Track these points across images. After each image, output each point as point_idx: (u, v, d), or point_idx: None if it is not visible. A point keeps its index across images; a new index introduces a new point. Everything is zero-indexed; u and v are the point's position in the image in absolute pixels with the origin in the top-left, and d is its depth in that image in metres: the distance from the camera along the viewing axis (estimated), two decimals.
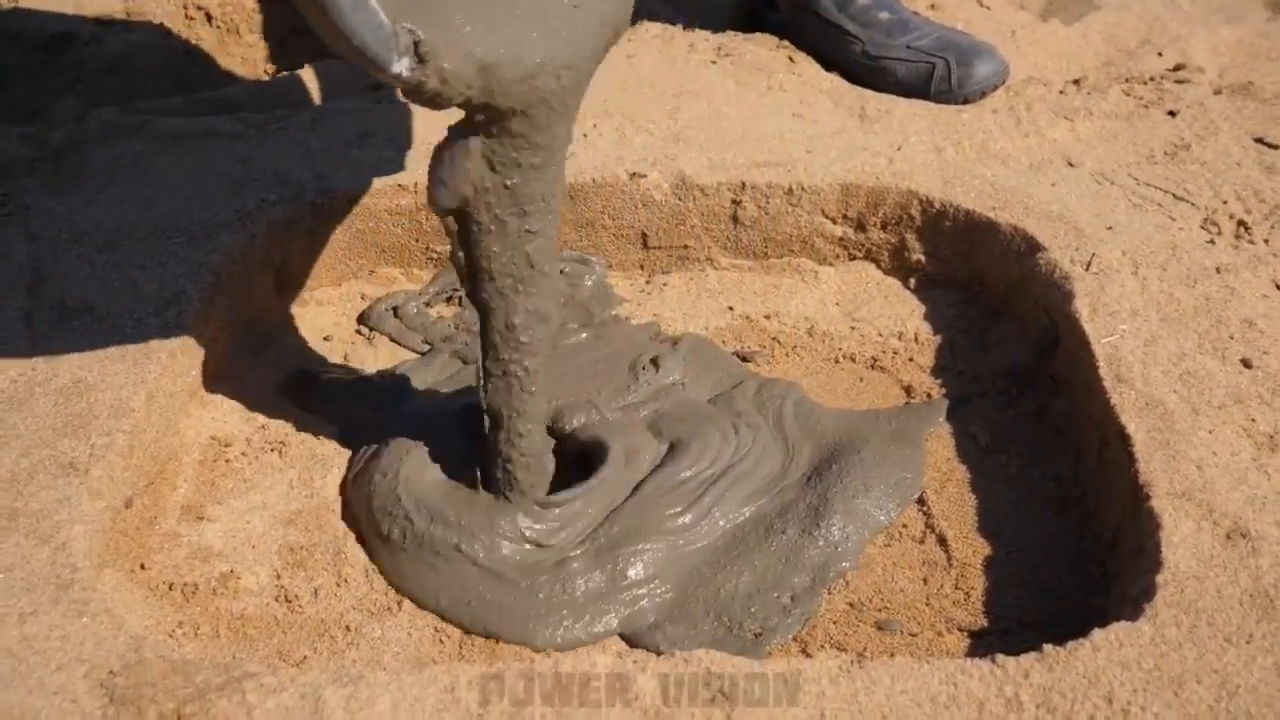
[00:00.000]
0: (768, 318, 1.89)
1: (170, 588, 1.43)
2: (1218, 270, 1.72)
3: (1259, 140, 2.06)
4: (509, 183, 1.32)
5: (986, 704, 1.11)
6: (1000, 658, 1.15)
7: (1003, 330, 1.82)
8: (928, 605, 1.41)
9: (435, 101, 1.23)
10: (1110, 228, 1.82)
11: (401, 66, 1.17)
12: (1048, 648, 1.16)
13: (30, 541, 1.32)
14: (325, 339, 1.88)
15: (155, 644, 1.23)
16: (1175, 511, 1.32)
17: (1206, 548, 1.27)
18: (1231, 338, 1.59)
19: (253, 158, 2.02)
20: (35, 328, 1.65)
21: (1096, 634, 1.17)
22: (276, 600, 1.44)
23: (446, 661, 1.37)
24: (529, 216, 1.35)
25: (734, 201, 1.94)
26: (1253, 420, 1.46)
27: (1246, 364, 1.55)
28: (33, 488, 1.39)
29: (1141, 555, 1.31)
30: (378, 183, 1.94)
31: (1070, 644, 1.16)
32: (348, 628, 1.40)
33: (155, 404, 1.55)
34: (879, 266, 1.98)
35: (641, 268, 2.01)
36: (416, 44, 1.17)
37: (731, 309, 1.92)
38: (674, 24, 2.52)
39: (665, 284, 1.98)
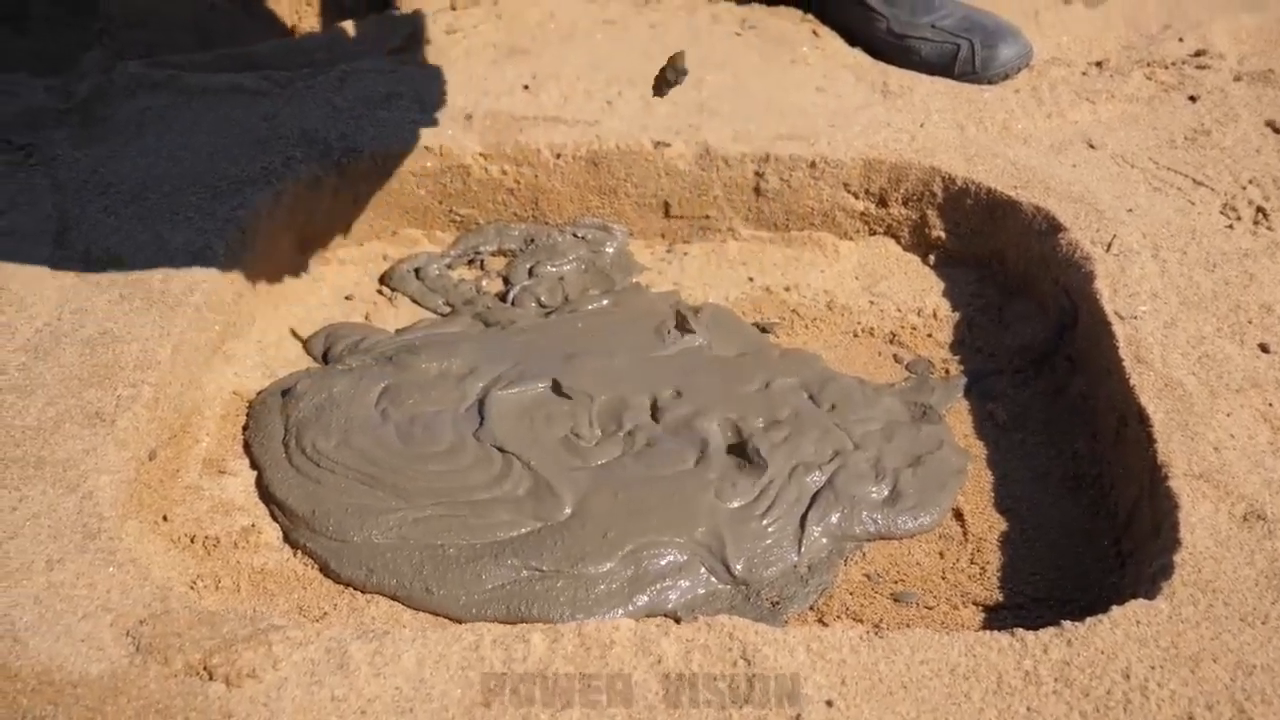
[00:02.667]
0: (787, 289, 1.89)
1: (192, 540, 1.44)
2: (1237, 255, 1.73)
3: (1270, 124, 2.07)
4: None
5: (1005, 676, 1.12)
6: (1020, 631, 1.17)
7: (1020, 309, 1.82)
8: (943, 579, 1.42)
9: None
10: (1130, 210, 1.82)
11: None
12: (1066, 623, 1.17)
13: (57, 490, 1.33)
14: (347, 298, 1.88)
15: (179, 595, 1.24)
16: (1193, 492, 1.33)
17: (1223, 529, 1.29)
18: (1250, 322, 1.60)
19: (279, 115, 2.02)
20: (62, 278, 1.65)
21: (1115, 611, 1.19)
22: (296, 555, 1.45)
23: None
24: None
25: (757, 173, 1.95)
26: (1270, 405, 1.47)
27: (1264, 349, 1.56)
28: (59, 437, 1.40)
29: (1158, 534, 1.32)
30: (403, 144, 1.94)
31: (1089, 620, 1.18)
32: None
33: (180, 357, 1.56)
34: (899, 242, 1.99)
35: (663, 236, 2.02)
36: None
37: (752, 280, 1.93)
38: None
39: (686, 253, 1.99)
